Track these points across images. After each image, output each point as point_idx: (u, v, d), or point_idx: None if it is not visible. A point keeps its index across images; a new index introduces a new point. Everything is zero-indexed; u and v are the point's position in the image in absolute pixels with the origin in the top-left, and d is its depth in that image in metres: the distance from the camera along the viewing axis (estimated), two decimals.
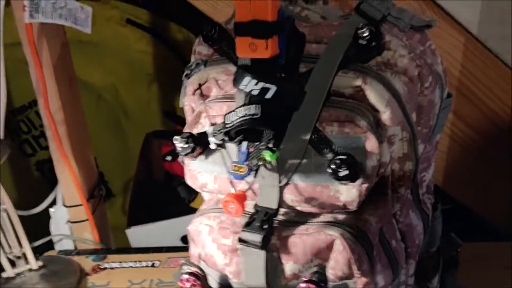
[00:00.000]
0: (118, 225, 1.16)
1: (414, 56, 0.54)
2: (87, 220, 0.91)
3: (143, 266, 0.90)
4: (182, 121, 1.36)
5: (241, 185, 0.56)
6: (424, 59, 0.55)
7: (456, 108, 0.83)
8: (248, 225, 0.53)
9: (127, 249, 0.95)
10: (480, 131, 0.86)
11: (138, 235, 1.10)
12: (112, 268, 0.91)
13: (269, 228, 0.52)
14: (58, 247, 0.97)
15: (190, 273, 0.55)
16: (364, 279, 0.53)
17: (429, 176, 0.65)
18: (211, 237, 0.57)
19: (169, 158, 1.32)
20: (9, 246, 0.81)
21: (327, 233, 0.52)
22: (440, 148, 0.66)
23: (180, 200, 1.28)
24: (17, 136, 1.39)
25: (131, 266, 0.91)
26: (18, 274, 0.85)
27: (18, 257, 0.84)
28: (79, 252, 0.95)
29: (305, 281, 0.50)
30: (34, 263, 0.83)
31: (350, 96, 0.53)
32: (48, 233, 0.98)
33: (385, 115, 0.51)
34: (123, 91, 1.36)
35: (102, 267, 0.91)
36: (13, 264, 0.84)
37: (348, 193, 0.51)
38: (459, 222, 0.81)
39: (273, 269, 0.54)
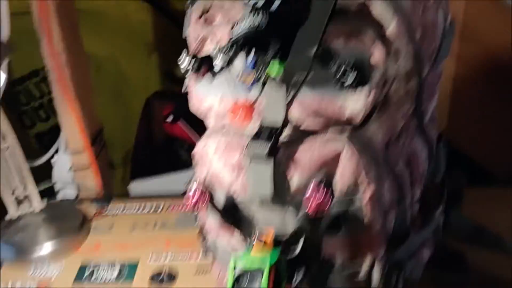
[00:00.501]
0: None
1: None
2: (89, 167, 0.91)
3: (145, 212, 0.91)
4: (182, 83, 1.37)
5: (245, 100, 0.56)
6: None
7: (459, 51, 0.83)
8: (254, 139, 0.54)
9: (129, 197, 0.96)
10: (482, 74, 0.86)
11: (140, 189, 1.10)
12: (114, 214, 0.92)
13: (275, 141, 0.53)
14: (60, 196, 0.98)
15: (197, 189, 0.56)
16: (372, 188, 0.53)
17: (433, 105, 0.65)
18: (218, 155, 0.58)
19: (170, 119, 1.32)
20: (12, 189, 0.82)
21: (334, 143, 0.53)
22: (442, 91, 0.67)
23: (181, 163, 1.29)
24: (16, 107, 1.39)
25: (133, 212, 0.91)
26: (20, 216, 0.85)
27: (21, 200, 0.84)
28: (81, 200, 0.96)
29: (311, 189, 0.51)
30: (37, 205, 0.83)
31: (355, 12, 0.53)
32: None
33: (390, 27, 0.52)
34: (123, 61, 1.35)
35: (105, 212, 0.92)
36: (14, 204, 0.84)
37: (354, 104, 0.52)
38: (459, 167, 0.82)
39: (279, 182, 0.54)
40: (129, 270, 0.78)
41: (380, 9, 0.51)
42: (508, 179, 0.93)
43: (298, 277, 0.55)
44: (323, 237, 0.55)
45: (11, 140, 0.75)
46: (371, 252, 0.57)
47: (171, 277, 0.76)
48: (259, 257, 0.53)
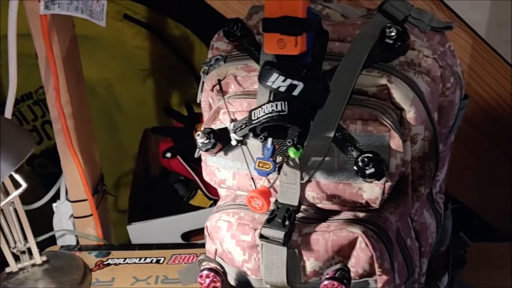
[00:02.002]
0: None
1: (437, 57, 0.55)
2: (90, 215, 0.90)
3: (147, 263, 0.90)
4: (181, 118, 1.36)
5: (261, 182, 0.56)
6: (445, 60, 0.56)
7: None
8: (269, 222, 0.53)
9: (130, 245, 0.94)
10: (484, 132, 0.87)
11: (139, 231, 1.09)
12: (116, 264, 0.90)
13: (291, 225, 0.53)
14: (60, 242, 0.96)
15: (210, 269, 0.55)
16: (385, 277, 0.53)
17: (442, 176, 0.65)
18: (230, 233, 0.57)
19: (168, 155, 1.31)
20: (14, 241, 0.80)
21: (350, 230, 0.52)
22: None
23: (179, 197, 1.28)
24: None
25: (135, 262, 0.90)
26: (21, 269, 0.84)
27: (22, 252, 0.83)
28: (81, 248, 0.94)
29: (327, 278, 0.50)
30: (38, 258, 0.82)
31: (373, 95, 0.53)
32: (48, 229, 0.97)
33: (410, 114, 0.52)
34: (117, 86, 1.34)
35: (106, 263, 0.90)
36: (16, 259, 0.83)
37: (371, 191, 0.52)
38: (462, 222, 0.82)
39: (293, 266, 0.54)
40: None
41: (399, 96, 0.51)
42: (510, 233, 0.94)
43: None
44: None
45: (15, 196, 0.74)
46: None
47: None
48: None
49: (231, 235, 0.57)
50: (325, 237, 0.53)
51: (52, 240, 0.99)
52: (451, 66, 0.56)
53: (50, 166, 1.34)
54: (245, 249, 0.56)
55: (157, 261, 0.90)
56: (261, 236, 0.53)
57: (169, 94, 1.38)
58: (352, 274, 0.53)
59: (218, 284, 0.55)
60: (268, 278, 0.55)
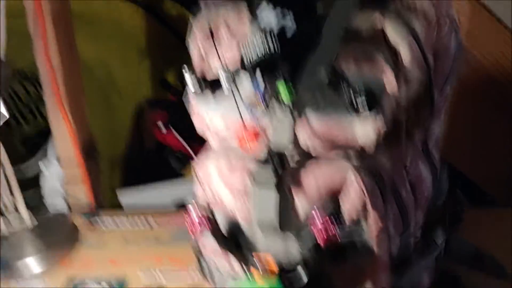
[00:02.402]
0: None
1: (433, 2, 0.54)
2: (81, 181, 0.89)
3: (139, 227, 0.89)
4: (176, 91, 1.35)
5: (252, 124, 0.55)
6: (441, 6, 0.55)
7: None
8: (260, 165, 0.52)
9: (122, 212, 0.93)
10: (480, 96, 0.86)
11: (131, 198, 1.07)
12: (105, 227, 0.89)
13: (282, 168, 0.51)
14: (49, 205, 0.95)
15: (200, 216, 0.54)
16: (378, 217, 0.52)
17: (438, 129, 0.64)
18: (220, 177, 0.56)
19: (162, 127, 1.31)
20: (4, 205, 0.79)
21: (339, 166, 0.51)
22: None
23: (173, 172, 1.27)
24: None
25: (125, 225, 0.89)
26: (11, 233, 0.83)
27: (10, 212, 0.82)
28: (72, 213, 0.93)
29: (317, 215, 0.49)
30: (28, 221, 0.81)
31: (367, 36, 0.52)
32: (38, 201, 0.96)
33: (404, 52, 0.51)
34: (114, 65, 1.33)
35: (96, 224, 0.89)
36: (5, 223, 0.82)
37: (364, 130, 0.51)
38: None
39: (284, 209, 0.53)
40: (118, 285, 0.75)
41: (393, 34, 0.50)
42: (506, 200, 0.92)
43: None
44: (328, 267, 0.54)
45: (3, 155, 0.73)
46: (376, 281, 0.55)
47: None
48: (262, 285, 0.51)
49: (221, 179, 0.56)
50: (316, 179, 0.52)
51: (42, 207, 0.98)
52: (447, 11, 0.55)
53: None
54: (235, 193, 0.55)
55: (148, 225, 0.88)
56: (252, 179, 0.52)
57: (166, 73, 1.37)
58: (344, 219, 0.52)
59: (209, 229, 0.54)
60: (259, 222, 0.53)
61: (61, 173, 0.91)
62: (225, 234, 0.57)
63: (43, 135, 1.27)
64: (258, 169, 0.52)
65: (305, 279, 0.53)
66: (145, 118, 1.32)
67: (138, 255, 0.81)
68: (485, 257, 0.74)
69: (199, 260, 0.65)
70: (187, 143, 1.27)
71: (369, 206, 0.51)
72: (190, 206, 0.55)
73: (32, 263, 0.79)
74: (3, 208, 0.79)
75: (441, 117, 0.63)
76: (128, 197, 1.05)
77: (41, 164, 0.94)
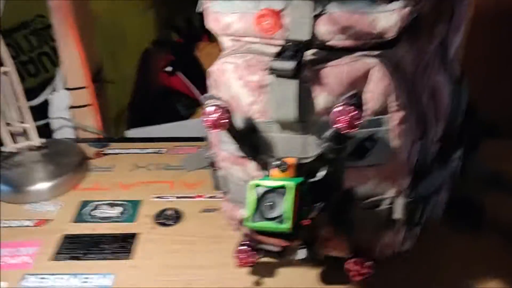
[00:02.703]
0: None
1: None
2: (89, 105, 0.87)
3: (148, 153, 0.87)
4: (182, 32, 1.32)
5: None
6: None
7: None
8: (278, 56, 0.50)
9: (131, 138, 0.92)
10: (497, 22, 0.83)
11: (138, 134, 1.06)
12: (115, 154, 0.88)
13: (302, 57, 0.50)
14: (58, 135, 0.94)
15: (217, 105, 0.52)
16: (401, 113, 0.51)
17: (457, 42, 0.62)
18: (237, 74, 0.54)
19: (169, 69, 1.28)
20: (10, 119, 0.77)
21: (365, 61, 0.50)
22: None
23: (179, 116, 1.25)
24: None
25: (135, 153, 0.88)
26: (17, 152, 0.81)
27: (18, 134, 0.80)
28: (79, 141, 0.92)
29: (340, 104, 0.47)
30: (36, 139, 0.79)
31: None
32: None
33: None
34: (120, 14, 1.30)
35: (106, 152, 0.88)
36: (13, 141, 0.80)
37: (388, 19, 0.49)
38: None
39: (304, 102, 0.51)
40: (131, 208, 0.74)
41: None
42: None
43: (316, 209, 0.52)
44: (347, 163, 0.53)
45: (10, 65, 0.71)
46: (395, 182, 0.54)
47: (177, 215, 0.73)
48: (282, 178, 0.50)
49: (238, 76, 0.54)
50: (338, 69, 0.50)
51: (48, 136, 0.96)
52: None
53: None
54: (253, 89, 0.53)
55: (159, 152, 0.88)
56: (271, 70, 0.50)
57: (173, 16, 1.34)
58: (366, 110, 0.51)
59: (226, 120, 0.52)
60: (277, 115, 0.52)
61: (69, 102, 0.89)
62: (241, 135, 0.55)
63: (46, 87, 1.26)
64: (277, 61, 0.50)
65: (322, 174, 0.52)
66: (151, 62, 1.30)
67: (149, 179, 0.81)
68: (503, 177, 0.73)
69: (214, 174, 0.65)
70: (194, 87, 1.25)
71: (393, 101, 0.50)
72: (206, 100, 0.54)
73: (44, 188, 0.78)
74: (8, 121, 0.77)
75: (460, 29, 0.61)
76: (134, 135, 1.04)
77: (49, 95, 0.93)
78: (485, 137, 0.80)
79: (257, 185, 0.49)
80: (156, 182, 0.79)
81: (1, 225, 0.73)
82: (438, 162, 0.63)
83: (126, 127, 1.15)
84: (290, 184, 0.48)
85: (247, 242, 0.61)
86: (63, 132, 0.93)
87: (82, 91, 0.87)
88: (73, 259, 0.66)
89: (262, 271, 0.62)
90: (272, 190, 0.49)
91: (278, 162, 0.50)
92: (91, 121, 0.90)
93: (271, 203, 0.48)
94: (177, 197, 0.76)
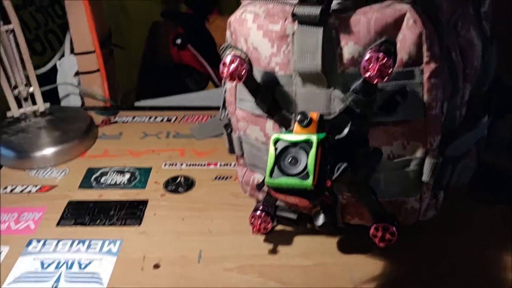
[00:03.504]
0: None
1: None
2: (97, 70, 0.84)
3: (157, 122, 0.84)
4: (192, 2, 1.28)
5: None
6: None
7: None
8: (303, 1, 0.47)
9: (140, 107, 0.88)
10: None
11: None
12: (124, 122, 0.85)
13: (328, 2, 0.46)
14: (64, 103, 0.90)
15: (235, 56, 0.49)
16: (433, 65, 0.47)
17: (487, 5, 0.59)
18: (257, 24, 0.50)
19: (179, 41, 1.24)
20: (15, 82, 0.74)
21: (396, 7, 0.46)
22: None
23: (188, 90, 1.22)
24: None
25: (144, 121, 0.84)
26: (23, 118, 0.78)
27: (24, 99, 0.77)
28: (87, 108, 0.88)
29: (371, 51, 0.44)
30: (41, 105, 0.76)
31: None
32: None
33: None
34: None
35: (113, 121, 0.85)
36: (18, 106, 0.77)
37: None
38: None
39: (329, 51, 0.47)
40: (141, 175, 0.71)
41: None
42: None
43: (340, 169, 0.49)
44: (375, 119, 0.49)
45: (15, 22, 0.67)
46: (425, 141, 0.50)
47: (188, 182, 0.69)
48: (304, 133, 0.47)
49: (258, 26, 0.50)
50: (367, 17, 0.46)
51: (56, 103, 0.93)
52: None
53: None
54: (273, 40, 0.50)
55: (168, 120, 0.84)
56: (294, 16, 0.47)
57: None
58: (397, 60, 0.47)
59: (244, 71, 0.48)
60: (300, 67, 0.48)
61: (76, 68, 0.85)
62: (260, 94, 0.52)
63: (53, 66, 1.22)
64: (302, 7, 0.46)
65: (346, 130, 0.48)
66: (160, 34, 1.26)
67: (159, 147, 0.77)
68: None
69: (228, 136, 0.61)
70: (205, 61, 1.21)
71: (425, 51, 0.46)
72: (224, 50, 0.50)
73: (49, 154, 0.74)
74: (13, 83, 0.74)
75: None
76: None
77: (57, 61, 0.89)
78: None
79: (278, 139, 0.46)
80: (166, 150, 0.76)
81: (6, 190, 0.70)
82: (465, 127, 0.60)
83: (135, 98, 1.12)
84: (314, 137, 0.44)
85: (263, 208, 0.58)
86: (70, 99, 0.89)
87: (90, 56, 0.83)
88: (79, 225, 0.63)
89: (278, 238, 0.59)
90: (294, 144, 0.45)
91: (301, 116, 0.47)
92: (98, 88, 0.86)
93: (293, 159, 0.45)
94: (188, 165, 0.73)
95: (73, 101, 0.89)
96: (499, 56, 0.65)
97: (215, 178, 0.70)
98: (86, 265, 0.57)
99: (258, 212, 0.58)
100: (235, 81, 0.49)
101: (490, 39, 0.61)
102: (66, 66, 0.87)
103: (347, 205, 0.56)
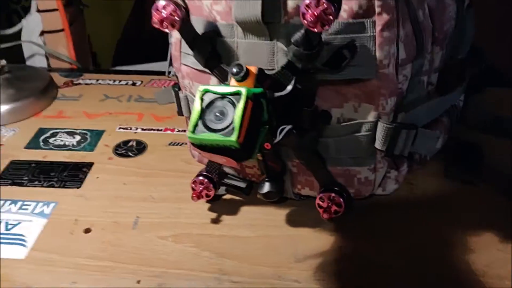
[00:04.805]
0: None
1: None
2: (61, 30, 0.79)
3: (122, 84, 0.79)
4: None
5: None
6: None
7: None
8: None
9: (106, 70, 0.84)
10: None
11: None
12: (87, 84, 0.80)
13: None
14: (30, 64, 0.86)
15: (169, 2, 0.44)
16: (386, 16, 0.41)
17: None
18: None
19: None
20: None
21: None
22: None
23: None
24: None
25: (108, 84, 0.80)
26: None
27: None
28: (51, 70, 0.84)
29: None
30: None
31: None
32: None
33: None
34: None
35: (76, 82, 0.81)
36: None
37: None
38: None
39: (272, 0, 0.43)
40: (92, 138, 0.67)
41: None
42: None
43: (282, 132, 0.44)
44: (321, 76, 0.44)
45: None
46: (378, 103, 0.45)
47: (140, 147, 0.65)
48: (237, 86, 0.42)
49: None
50: None
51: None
52: None
53: None
54: None
55: (133, 84, 0.79)
56: None
57: None
58: (344, 14, 0.42)
59: (177, 18, 0.44)
60: (239, 14, 0.43)
61: (42, 27, 0.81)
62: (199, 46, 0.47)
63: None
64: None
65: (289, 87, 0.43)
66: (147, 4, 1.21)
67: (118, 110, 0.73)
68: (505, 121, 0.64)
69: (177, 97, 0.57)
70: None
71: (376, 1, 0.41)
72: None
73: (3, 112, 0.70)
74: None
75: None
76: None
77: (23, 19, 0.85)
78: (488, 84, 0.71)
79: (206, 91, 0.41)
80: (125, 113, 0.71)
81: None
82: (436, 94, 0.54)
83: (112, 64, 1.08)
84: (244, 90, 0.40)
85: (207, 174, 0.54)
86: (35, 60, 0.85)
87: (54, 14, 0.79)
88: (16, 185, 0.59)
89: (223, 208, 0.54)
90: (223, 98, 0.40)
91: (236, 68, 0.42)
92: (64, 47, 0.82)
93: (220, 113, 0.40)
94: (144, 129, 0.68)
95: (39, 62, 0.85)
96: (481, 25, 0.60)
97: (170, 144, 0.65)
98: (14, 226, 0.53)
99: (200, 178, 0.53)
100: (167, 29, 0.44)
101: (469, 3, 0.56)
102: (32, 24, 0.82)
103: (297, 173, 0.51)
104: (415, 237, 0.50)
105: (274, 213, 0.53)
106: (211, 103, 0.40)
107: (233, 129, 0.38)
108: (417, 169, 0.57)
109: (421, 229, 0.51)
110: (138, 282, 0.46)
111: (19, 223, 0.53)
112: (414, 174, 0.57)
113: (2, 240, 0.51)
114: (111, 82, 0.80)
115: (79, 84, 0.80)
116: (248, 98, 0.39)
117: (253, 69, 0.43)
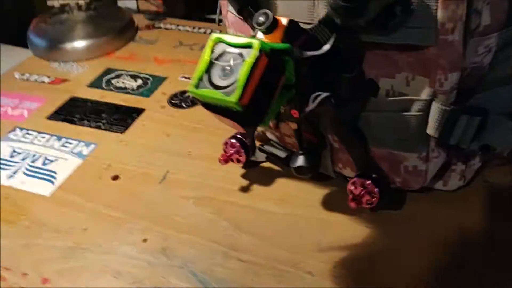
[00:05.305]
0: None
1: None
2: None
3: (200, 32, 0.76)
4: None
5: None
6: None
7: None
8: None
9: (189, 16, 0.81)
10: None
11: None
12: (166, 29, 0.78)
13: None
14: (121, 4, 0.86)
15: None
16: None
17: None
18: None
19: None
20: None
21: None
22: None
23: None
24: None
25: (187, 30, 0.77)
26: (68, 9, 0.75)
27: None
28: (138, 11, 0.83)
29: None
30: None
31: None
32: None
33: None
34: None
35: (157, 26, 0.79)
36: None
37: None
38: None
39: None
40: (152, 84, 0.64)
41: None
42: None
43: (320, 97, 0.37)
44: (365, 36, 0.36)
45: None
46: (433, 78, 0.36)
47: (194, 99, 0.62)
48: (257, 39, 0.36)
49: None
50: None
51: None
52: None
53: None
54: None
55: (211, 32, 0.76)
56: None
57: None
58: None
59: None
60: None
61: None
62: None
63: None
64: None
65: (327, 46, 0.36)
66: None
67: (187, 58, 0.69)
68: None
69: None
70: None
71: None
72: None
73: (78, 48, 0.71)
74: None
75: None
76: None
77: None
78: None
79: (219, 40, 0.36)
80: (193, 62, 0.68)
81: (22, 77, 0.68)
82: None
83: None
84: (256, 42, 0.33)
85: (240, 137, 0.49)
86: (126, 2, 0.85)
87: None
88: (66, 122, 0.59)
89: (257, 177, 0.49)
90: (235, 50, 0.35)
91: (261, 17, 0.36)
92: None
93: (228, 68, 0.34)
94: None
95: (129, 3, 0.84)
96: None
97: None
98: (51, 162, 0.53)
99: (233, 140, 0.48)
100: None
101: None
102: None
103: (339, 149, 0.44)
104: (474, 247, 0.41)
105: (310, 192, 0.47)
106: (221, 55, 0.35)
107: (236, 87, 0.33)
108: (498, 166, 0.47)
109: (484, 235, 0.42)
110: (145, 240, 0.44)
111: (56, 159, 0.53)
112: (493, 171, 0.47)
113: (35, 174, 0.51)
114: (189, 29, 0.77)
115: (160, 28, 0.78)
116: (261, 53, 0.33)
117: (284, 21, 0.36)
